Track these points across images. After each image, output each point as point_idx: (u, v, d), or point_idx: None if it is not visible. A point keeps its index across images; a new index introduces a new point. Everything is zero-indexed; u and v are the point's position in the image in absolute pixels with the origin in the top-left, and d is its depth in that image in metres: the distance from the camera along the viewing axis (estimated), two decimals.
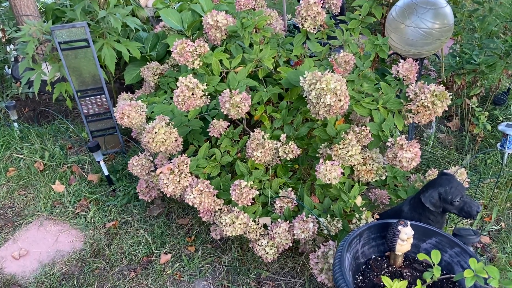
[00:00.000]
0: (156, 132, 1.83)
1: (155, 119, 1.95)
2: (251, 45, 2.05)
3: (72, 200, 2.38)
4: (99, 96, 2.50)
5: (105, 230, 2.18)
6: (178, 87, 1.71)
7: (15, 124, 2.87)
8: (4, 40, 3.67)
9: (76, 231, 2.20)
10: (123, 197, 2.35)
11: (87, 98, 2.49)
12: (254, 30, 1.99)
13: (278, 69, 1.96)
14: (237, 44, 2.05)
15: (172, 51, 1.76)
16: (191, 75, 1.72)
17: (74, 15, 2.60)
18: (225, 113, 1.69)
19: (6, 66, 3.63)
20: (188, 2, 3.16)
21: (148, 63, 2.73)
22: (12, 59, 3.60)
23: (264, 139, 1.75)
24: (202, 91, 1.72)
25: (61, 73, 2.49)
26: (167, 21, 2.84)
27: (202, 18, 2.92)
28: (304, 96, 1.59)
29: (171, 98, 2.54)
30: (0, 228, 2.24)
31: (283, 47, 2.07)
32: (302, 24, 1.87)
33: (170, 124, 1.93)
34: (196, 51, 1.78)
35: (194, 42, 2.93)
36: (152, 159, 2.06)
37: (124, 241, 2.11)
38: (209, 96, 1.75)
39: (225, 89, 1.69)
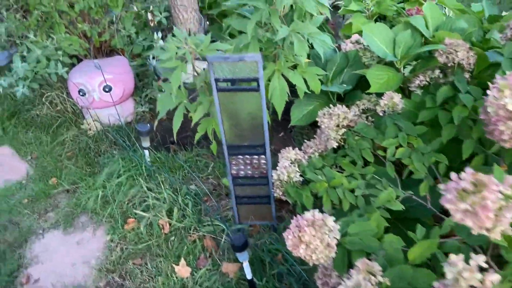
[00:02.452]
0: None
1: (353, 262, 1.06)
2: None
3: None
4: (257, 156, 1.68)
5: None
6: None
7: (146, 153, 2.24)
8: (152, 24, 3.09)
9: None
10: None
11: (241, 157, 1.69)
12: None
13: None
14: None
15: None
16: None
17: (241, 26, 1.77)
18: None
19: (151, 56, 3.06)
20: (404, 13, 2.12)
21: (329, 106, 1.80)
22: (159, 49, 3.01)
23: None
24: None
25: (212, 116, 1.72)
26: (370, 42, 1.85)
27: (426, 42, 1.87)
28: None
29: (372, 178, 1.59)
30: None
31: None
32: None
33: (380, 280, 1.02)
34: None
35: (409, 80, 1.86)
36: None
37: None
38: None
39: None
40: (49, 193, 2.23)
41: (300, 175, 1.67)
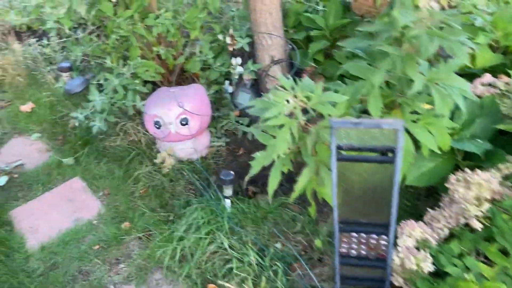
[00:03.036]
0: None
1: None
2: None
3: None
4: (376, 236, 1.35)
5: None
6: None
7: (227, 203, 1.98)
8: (231, 49, 2.84)
9: None
10: None
11: (355, 235, 1.37)
12: None
13: None
14: None
15: None
16: None
17: (357, 70, 1.45)
18: None
19: (227, 82, 2.82)
20: None
21: (462, 169, 1.43)
22: (237, 77, 2.76)
23: None
24: None
25: (319, 183, 1.41)
26: None
27: None
28: None
29: None
30: None
31: None
32: None
33: None
34: None
35: None
36: None
37: None
38: None
39: None
40: (121, 239, 2.04)
41: (432, 262, 1.32)
